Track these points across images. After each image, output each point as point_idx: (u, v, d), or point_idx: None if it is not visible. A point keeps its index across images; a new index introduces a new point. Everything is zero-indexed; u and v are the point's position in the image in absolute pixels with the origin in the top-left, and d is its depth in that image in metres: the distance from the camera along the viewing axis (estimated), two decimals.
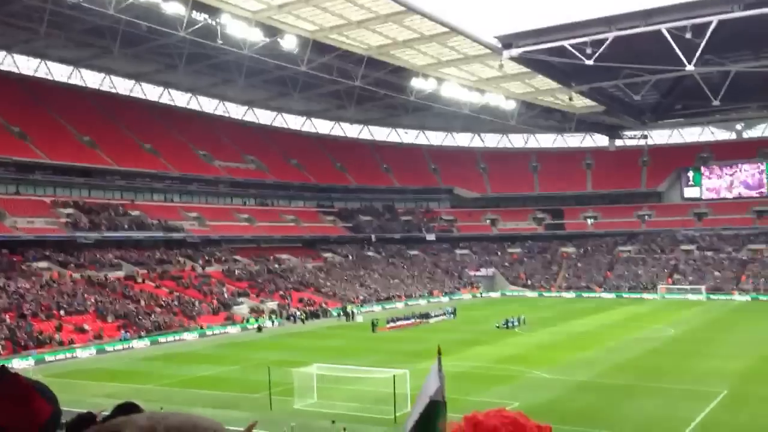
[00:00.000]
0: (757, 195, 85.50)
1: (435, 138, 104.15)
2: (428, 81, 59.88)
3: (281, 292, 66.55)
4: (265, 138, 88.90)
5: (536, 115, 78.71)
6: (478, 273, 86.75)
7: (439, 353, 3.57)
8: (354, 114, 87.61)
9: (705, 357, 37.76)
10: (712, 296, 71.26)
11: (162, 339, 50.34)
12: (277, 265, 74.30)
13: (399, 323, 55.95)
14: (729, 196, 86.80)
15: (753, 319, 54.46)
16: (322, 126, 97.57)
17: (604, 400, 28.98)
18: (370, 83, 63.04)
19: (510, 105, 69.15)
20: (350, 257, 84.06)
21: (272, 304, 63.18)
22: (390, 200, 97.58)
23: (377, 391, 28.82)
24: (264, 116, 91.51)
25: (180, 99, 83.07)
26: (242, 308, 60.69)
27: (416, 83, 60.52)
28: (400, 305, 70.78)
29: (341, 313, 63.30)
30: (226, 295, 62.22)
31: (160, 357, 43.57)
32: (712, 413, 26.26)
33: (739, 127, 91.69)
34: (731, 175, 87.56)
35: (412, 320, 57.71)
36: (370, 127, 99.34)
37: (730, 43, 51.94)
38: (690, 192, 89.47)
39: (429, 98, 65.51)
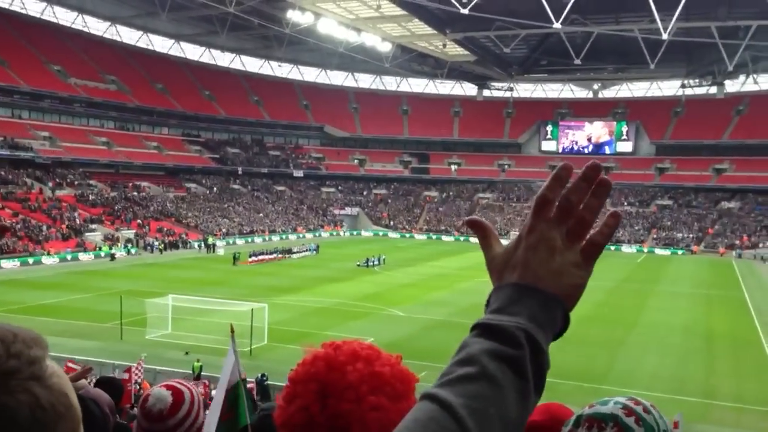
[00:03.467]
0: (606, 152, 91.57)
1: (308, 74, 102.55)
2: (305, 15, 58.59)
3: (139, 221, 64.13)
4: (129, 58, 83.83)
5: (410, 60, 79.45)
6: (342, 212, 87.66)
7: (232, 331, 3.74)
8: (226, 42, 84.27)
9: None
10: None
11: (5, 263, 47.33)
12: (135, 193, 71.33)
13: (261, 257, 55.70)
14: (581, 151, 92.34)
15: (598, 266, 58.94)
16: (192, 51, 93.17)
17: (453, 338, 30.43)
18: (245, 11, 60.79)
19: (386, 47, 69.24)
20: (215, 189, 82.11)
21: (128, 233, 60.86)
22: (259, 134, 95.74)
23: (235, 323, 28.68)
24: (128, 35, 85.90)
25: (34, 8, 76.23)
26: (95, 235, 58.05)
27: (293, 15, 59.06)
28: (263, 240, 70.42)
29: (202, 245, 62.12)
30: (78, 221, 59.15)
31: (1, 282, 40.97)
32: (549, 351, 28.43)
33: (596, 86, 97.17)
34: (585, 131, 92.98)
35: (275, 255, 57.68)
36: (242, 56, 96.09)
37: (595, 5, 54.62)
38: (547, 145, 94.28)
39: (305, 32, 64.21)
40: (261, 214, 79.51)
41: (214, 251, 60.60)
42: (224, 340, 27.41)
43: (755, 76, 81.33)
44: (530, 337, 1.02)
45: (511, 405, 0.98)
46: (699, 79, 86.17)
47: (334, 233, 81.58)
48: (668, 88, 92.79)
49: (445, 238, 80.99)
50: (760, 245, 71.01)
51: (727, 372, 26.57)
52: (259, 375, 20.65)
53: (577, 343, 30.04)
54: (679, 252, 72.17)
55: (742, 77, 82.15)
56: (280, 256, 58.00)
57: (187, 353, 25.29)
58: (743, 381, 25.18)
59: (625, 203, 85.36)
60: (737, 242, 72.57)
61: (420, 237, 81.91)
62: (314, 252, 61.84)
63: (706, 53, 68.91)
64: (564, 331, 1.12)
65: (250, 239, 69.91)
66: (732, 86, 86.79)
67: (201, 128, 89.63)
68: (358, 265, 53.26)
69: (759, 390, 24.04)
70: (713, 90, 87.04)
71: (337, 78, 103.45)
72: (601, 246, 1.13)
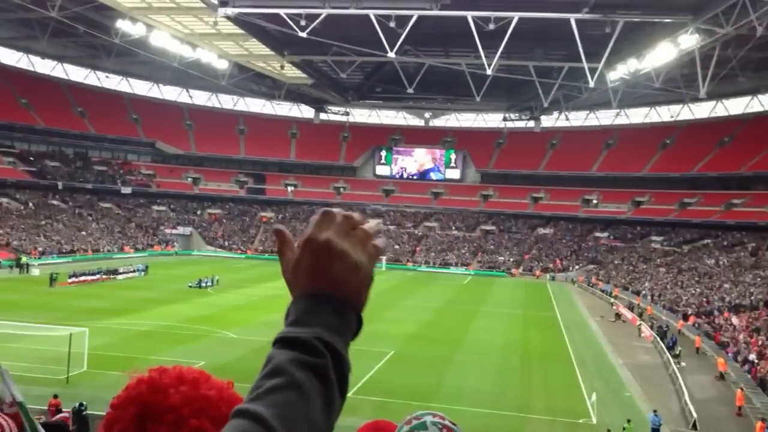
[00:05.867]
0: (436, 178, 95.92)
1: (139, 87, 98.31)
2: (136, 25, 56.28)
3: None
4: None
5: (248, 79, 78.77)
6: (174, 231, 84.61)
7: None
8: (47, 48, 78.66)
9: (379, 321, 41.45)
10: (390, 267, 78.36)
11: None
12: None
13: (82, 278, 52.29)
14: (413, 176, 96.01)
15: (421, 288, 61.35)
16: (7, 56, 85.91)
17: None
18: (69, 16, 57.30)
19: (222, 64, 68.15)
20: (30, 204, 76.03)
21: None
22: (83, 147, 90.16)
23: (51, 349, 26.89)
24: None
25: None
26: None
27: (122, 25, 56.53)
28: (85, 260, 66.13)
29: (14, 265, 57.19)
30: None
31: None
32: (380, 370, 29.19)
33: (427, 115, 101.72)
34: (417, 157, 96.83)
35: (98, 276, 54.43)
36: (65, 64, 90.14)
37: (427, 38, 57.42)
38: (381, 170, 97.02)
39: (136, 44, 61.65)
40: (84, 233, 74.73)
41: (27, 271, 56.06)
42: (39, 368, 25.46)
43: (567, 113, 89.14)
44: (329, 345, 1.10)
45: (318, 410, 1.04)
46: (519, 113, 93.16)
47: (165, 253, 78.44)
48: (492, 120, 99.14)
49: None
50: (571, 268, 77.48)
51: (540, 386, 28.68)
52: (77, 404, 19.37)
53: (406, 363, 31.10)
54: (501, 274, 76.90)
55: (555, 113, 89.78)
56: (104, 276, 54.85)
57: None
58: (554, 395, 27.30)
59: (453, 228, 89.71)
60: (551, 265, 78.64)
61: (256, 257, 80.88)
62: (142, 273, 59.14)
63: (525, 90, 74.60)
64: (359, 331, 1.19)
65: (70, 259, 65.38)
66: (547, 121, 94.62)
67: (16, 139, 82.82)
68: (190, 287, 51.67)
69: (568, 403, 26.18)
70: (531, 124, 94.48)
71: (171, 93, 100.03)
72: (381, 250, 1.20)
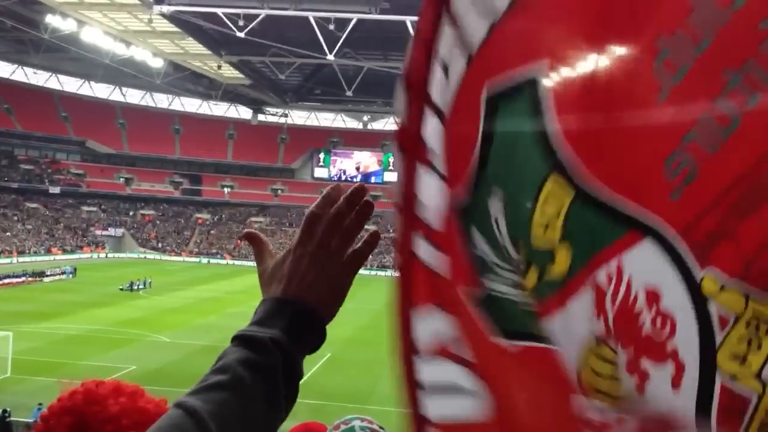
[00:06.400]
0: (375, 181, 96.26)
1: (69, 84, 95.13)
2: (67, 21, 54.63)
3: None
4: None
5: (184, 78, 77.39)
6: (105, 232, 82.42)
7: None
8: None
9: None
10: None
11: None
12: None
13: (6, 281, 50.56)
14: (352, 179, 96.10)
15: (359, 290, 61.26)
16: None
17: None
18: None
19: (157, 63, 66.84)
20: None
21: None
22: (9, 145, 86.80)
23: None
24: None
25: None
26: None
27: (52, 20, 54.78)
28: (10, 261, 63.75)
29: None
30: None
31: None
32: (317, 373, 29.10)
33: (366, 118, 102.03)
34: (354, 160, 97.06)
35: (23, 278, 52.67)
36: None
37: (366, 42, 57.65)
38: (319, 172, 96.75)
39: (66, 40, 59.77)
40: (8, 234, 72.10)
41: None
42: None
43: None
44: (283, 348, 1.07)
45: (260, 411, 1.02)
46: None
47: (95, 255, 76.31)
48: None
49: (217, 261, 79.39)
50: None
51: None
52: (0, 410, 18.72)
53: (343, 365, 31.16)
54: None
55: None
56: (29, 279, 53.09)
57: None
58: None
59: (390, 230, 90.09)
60: None
61: (191, 260, 79.51)
62: (71, 275, 57.44)
63: None
64: (322, 341, 1.17)
65: None
66: None
67: None
68: (122, 289, 50.41)
69: None
70: None
71: (103, 91, 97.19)
72: (360, 258, 1.19)
